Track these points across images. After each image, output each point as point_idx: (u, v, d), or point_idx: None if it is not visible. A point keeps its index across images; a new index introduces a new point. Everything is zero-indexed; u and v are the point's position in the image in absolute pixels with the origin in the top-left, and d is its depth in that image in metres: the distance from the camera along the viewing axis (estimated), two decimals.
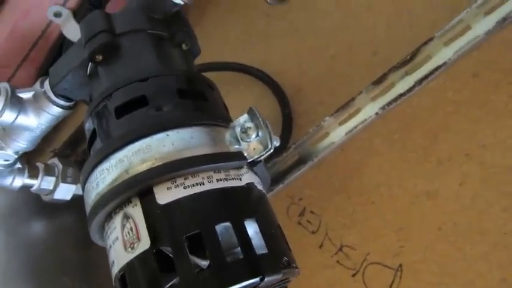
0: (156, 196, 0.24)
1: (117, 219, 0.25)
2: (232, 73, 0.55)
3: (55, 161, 0.53)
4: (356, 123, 0.36)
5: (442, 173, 0.37)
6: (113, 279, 0.25)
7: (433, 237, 0.36)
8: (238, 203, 0.25)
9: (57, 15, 0.63)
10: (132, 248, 0.23)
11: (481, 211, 0.35)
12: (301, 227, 0.44)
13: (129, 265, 0.23)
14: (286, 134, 0.46)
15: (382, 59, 0.43)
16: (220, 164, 0.25)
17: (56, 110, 0.38)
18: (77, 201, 0.54)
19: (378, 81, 0.36)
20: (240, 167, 0.27)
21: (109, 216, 0.25)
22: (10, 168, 0.45)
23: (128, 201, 0.25)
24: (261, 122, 0.27)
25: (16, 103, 0.37)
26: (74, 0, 0.63)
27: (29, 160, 0.50)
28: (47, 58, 0.69)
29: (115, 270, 0.24)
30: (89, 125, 0.30)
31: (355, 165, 0.42)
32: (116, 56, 0.33)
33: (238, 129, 0.28)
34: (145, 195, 0.24)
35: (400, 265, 0.38)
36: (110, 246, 0.25)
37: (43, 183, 0.49)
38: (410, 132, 0.39)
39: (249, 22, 0.57)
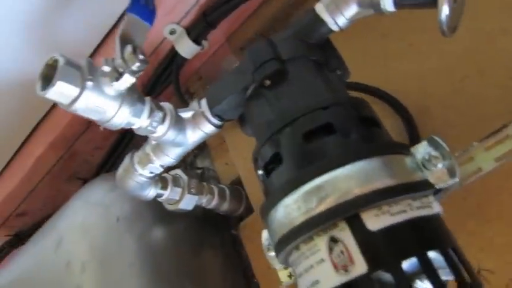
0: (365, 222, 0.25)
1: (321, 242, 0.26)
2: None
3: (178, 172, 0.56)
4: (507, 150, 0.37)
5: None
6: None
7: None
8: (439, 231, 0.26)
9: (172, 32, 0.67)
10: (346, 271, 0.25)
11: None
12: None
13: (345, 287, 0.25)
14: None
15: None
16: (419, 193, 0.27)
17: (210, 129, 0.41)
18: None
19: None
20: (429, 195, 0.28)
21: (309, 238, 0.27)
22: (151, 180, 0.48)
23: (333, 225, 0.26)
24: (447, 152, 0.29)
25: (178, 122, 0.40)
26: (188, 19, 0.66)
27: None
28: (154, 72, 0.73)
29: None
30: (268, 148, 0.32)
31: (493, 189, 0.42)
32: (283, 81, 0.35)
33: (419, 157, 0.29)
34: (353, 220, 0.26)
35: None
36: (311, 266, 0.27)
37: (171, 193, 0.52)
38: None
39: (363, 42, 0.58)
